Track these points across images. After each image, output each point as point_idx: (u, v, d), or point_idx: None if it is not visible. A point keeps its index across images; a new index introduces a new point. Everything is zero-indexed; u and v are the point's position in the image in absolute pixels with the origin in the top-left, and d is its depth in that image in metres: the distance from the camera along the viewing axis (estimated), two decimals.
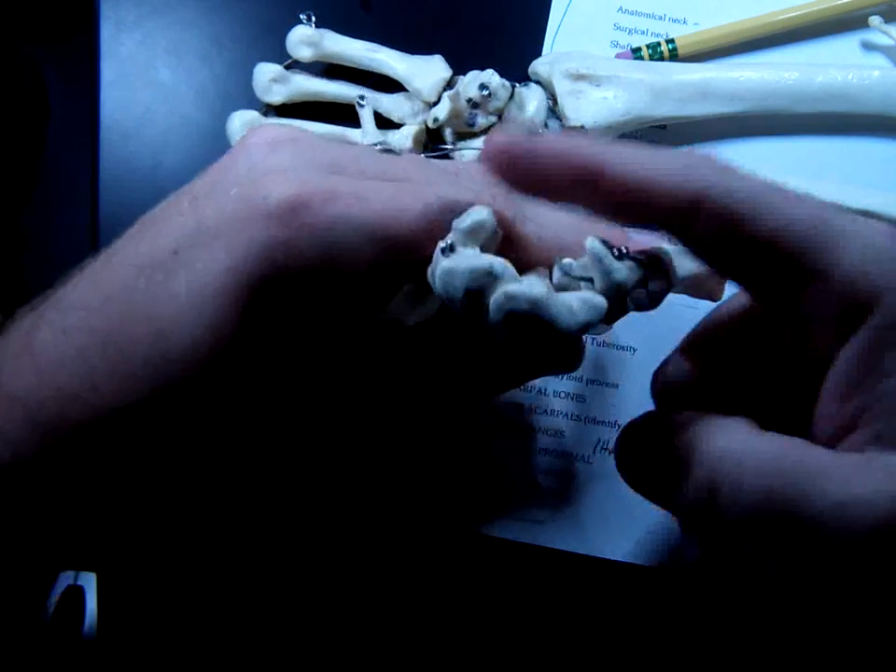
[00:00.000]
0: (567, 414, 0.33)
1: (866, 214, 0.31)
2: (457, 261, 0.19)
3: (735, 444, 0.19)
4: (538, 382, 0.33)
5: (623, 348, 0.33)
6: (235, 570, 0.32)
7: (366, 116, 0.33)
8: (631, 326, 0.25)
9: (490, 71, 0.32)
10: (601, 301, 0.19)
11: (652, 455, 0.21)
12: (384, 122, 0.34)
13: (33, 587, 0.29)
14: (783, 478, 0.18)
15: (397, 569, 0.32)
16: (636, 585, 0.32)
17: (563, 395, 0.33)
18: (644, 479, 0.22)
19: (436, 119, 0.33)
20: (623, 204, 0.20)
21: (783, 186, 0.19)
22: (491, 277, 0.19)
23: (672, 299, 0.23)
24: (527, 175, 0.20)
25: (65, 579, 0.31)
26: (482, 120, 0.32)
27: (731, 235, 0.19)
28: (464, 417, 0.33)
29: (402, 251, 0.21)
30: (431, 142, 0.34)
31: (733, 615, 0.31)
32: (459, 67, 0.33)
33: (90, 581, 0.31)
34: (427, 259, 0.21)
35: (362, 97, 0.33)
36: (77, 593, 0.31)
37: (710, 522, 0.19)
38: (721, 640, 0.31)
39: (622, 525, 0.32)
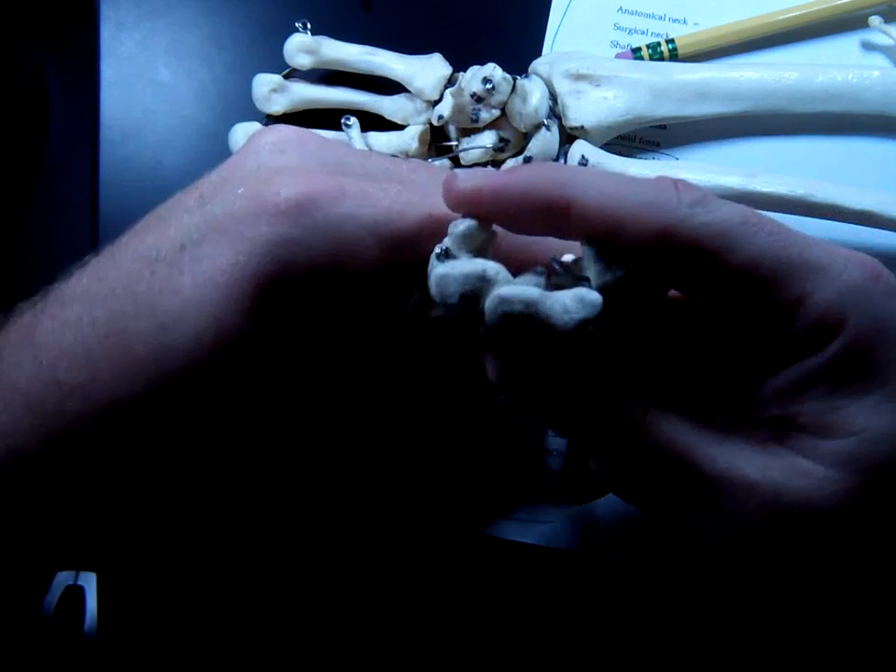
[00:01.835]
0: None
1: (866, 214, 0.31)
2: (451, 267, 0.19)
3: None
4: None
5: None
6: (235, 570, 0.32)
7: (354, 136, 0.33)
8: None
9: (492, 65, 0.32)
10: (596, 297, 0.19)
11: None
12: (387, 125, 0.34)
13: (30, 584, 0.29)
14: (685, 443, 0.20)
15: (404, 572, 0.32)
16: (645, 585, 0.32)
17: None
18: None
19: (440, 117, 0.33)
20: (594, 234, 0.20)
21: (758, 217, 0.19)
22: (485, 282, 0.19)
23: None
24: (496, 215, 0.20)
25: (65, 579, 0.31)
26: (485, 115, 0.32)
27: (696, 268, 0.19)
28: (473, 417, 0.33)
29: (407, 250, 0.21)
30: (436, 141, 0.34)
31: (742, 615, 0.31)
32: (460, 67, 0.33)
33: (90, 581, 0.31)
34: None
35: (348, 118, 0.33)
36: (77, 593, 0.31)
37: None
38: (731, 640, 0.31)
39: (630, 525, 0.32)
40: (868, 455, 0.19)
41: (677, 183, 0.20)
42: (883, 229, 0.32)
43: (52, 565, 0.27)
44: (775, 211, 0.32)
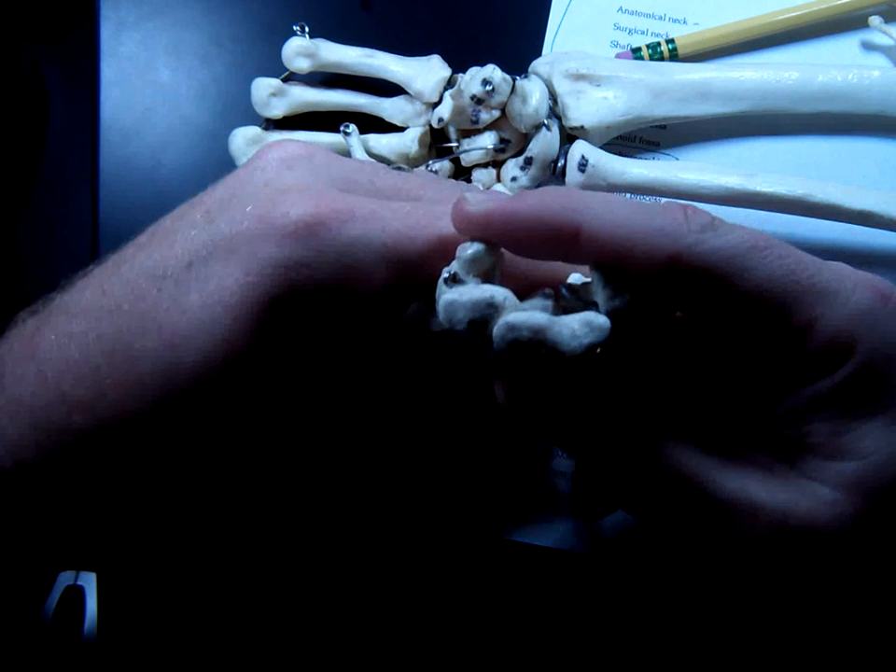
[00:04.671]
0: None
1: (866, 214, 0.31)
2: (459, 293, 0.19)
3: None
4: None
5: None
6: (236, 571, 0.32)
7: (354, 144, 0.33)
8: None
9: (491, 66, 0.32)
10: (604, 321, 0.19)
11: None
12: (387, 126, 0.34)
13: (32, 588, 0.29)
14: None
15: (412, 575, 0.32)
16: (651, 586, 0.32)
17: None
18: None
19: (440, 119, 0.33)
20: (603, 259, 0.20)
21: (767, 240, 0.19)
22: (492, 308, 0.19)
23: None
24: (505, 240, 0.20)
25: (65, 579, 0.31)
26: (485, 116, 0.32)
27: (706, 293, 0.19)
28: (481, 420, 0.33)
29: (415, 271, 0.21)
30: (436, 142, 0.34)
31: (748, 624, 0.31)
32: (460, 67, 0.33)
33: (90, 581, 0.31)
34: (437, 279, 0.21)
35: (347, 125, 0.33)
36: (77, 593, 0.31)
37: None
38: (739, 642, 0.31)
39: (635, 527, 0.32)
40: (875, 478, 0.19)
41: (686, 209, 0.20)
42: (883, 229, 0.32)
43: (53, 567, 0.27)
44: (775, 211, 0.32)
